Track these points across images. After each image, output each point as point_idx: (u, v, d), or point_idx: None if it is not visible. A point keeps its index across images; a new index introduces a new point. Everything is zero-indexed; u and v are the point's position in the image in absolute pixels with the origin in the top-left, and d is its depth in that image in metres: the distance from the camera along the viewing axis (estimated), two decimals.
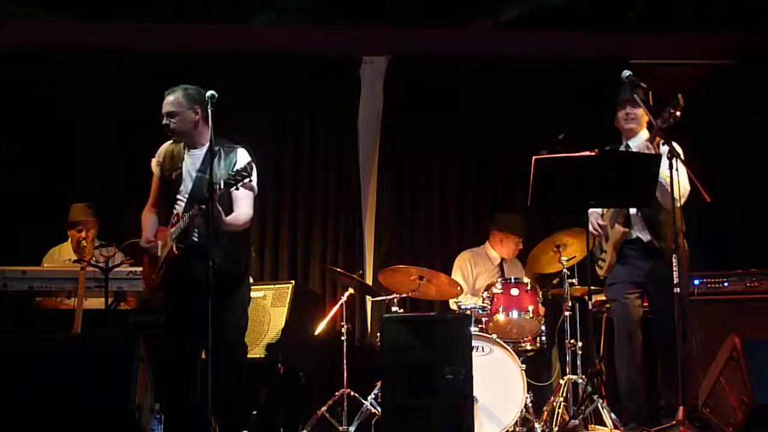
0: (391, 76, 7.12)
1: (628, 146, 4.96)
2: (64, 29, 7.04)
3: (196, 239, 4.48)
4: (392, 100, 7.12)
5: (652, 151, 4.68)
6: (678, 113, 4.51)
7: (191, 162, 4.59)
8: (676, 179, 4.45)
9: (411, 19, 7.06)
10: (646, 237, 4.88)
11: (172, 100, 4.52)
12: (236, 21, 7.13)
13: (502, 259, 6.32)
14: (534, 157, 4.44)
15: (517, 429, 5.19)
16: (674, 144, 4.57)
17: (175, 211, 4.55)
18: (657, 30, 7.03)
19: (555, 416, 5.27)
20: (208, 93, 4.25)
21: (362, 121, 7.14)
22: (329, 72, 7.06)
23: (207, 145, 4.42)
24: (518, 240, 6.28)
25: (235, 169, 4.29)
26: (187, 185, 4.56)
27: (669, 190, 4.50)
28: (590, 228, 4.95)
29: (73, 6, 6.92)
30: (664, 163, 4.55)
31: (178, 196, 4.56)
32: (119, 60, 6.80)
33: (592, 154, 4.46)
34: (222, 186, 4.23)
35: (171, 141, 4.66)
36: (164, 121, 4.53)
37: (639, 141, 4.89)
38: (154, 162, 4.71)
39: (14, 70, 6.66)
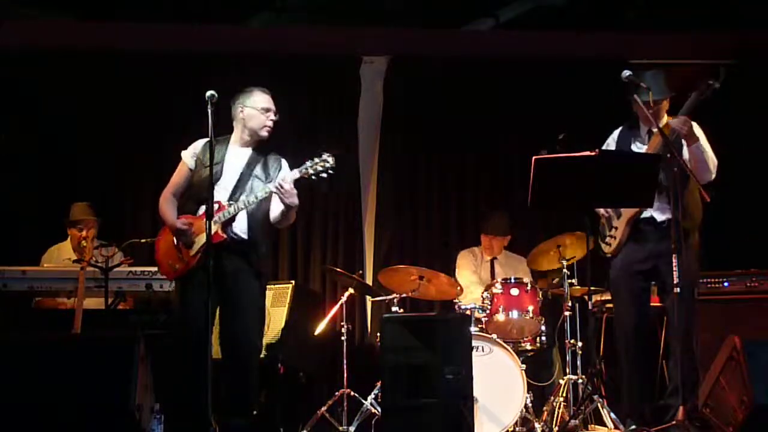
0: (391, 76, 7.12)
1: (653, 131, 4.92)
2: (64, 29, 7.04)
3: (243, 235, 4.57)
4: (392, 100, 7.12)
5: (684, 131, 4.65)
6: (717, 86, 4.50)
7: (236, 158, 4.69)
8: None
9: (411, 19, 7.07)
10: (660, 217, 4.80)
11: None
12: (236, 21, 7.13)
13: (493, 259, 6.36)
14: (534, 157, 4.43)
15: (517, 429, 5.19)
16: (695, 124, 4.67)
17: (216, 200, 4.49)
18: (657, 30, 7.03)
19: (555, 416, 5.26)
20: (208, 93, 4.25)
21: (362, 121, 7.13)
22: (329, 72, 7.06)
23: (253, 147, 4.72)
24: (503, 238, 6.35)
25: (312, 166, 4.48)
26: (229, 179, 4.62)
27: (707, 163, 4.66)
28: (602, 211, 4.95)
29: (73, 6, 6.93)
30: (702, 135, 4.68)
31: (217, 188, 4.54)
32: (119, 60, 6.80)
33: (592, 154, 4.46)
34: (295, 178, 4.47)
35: (207, 137, 4.55)
36: (275, 118, 4.71)
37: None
38: (188, 154, 4.71)
39: (14, 70, 6.66)
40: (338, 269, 6.24)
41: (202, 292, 4.24)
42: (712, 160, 4.75)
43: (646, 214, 4.82)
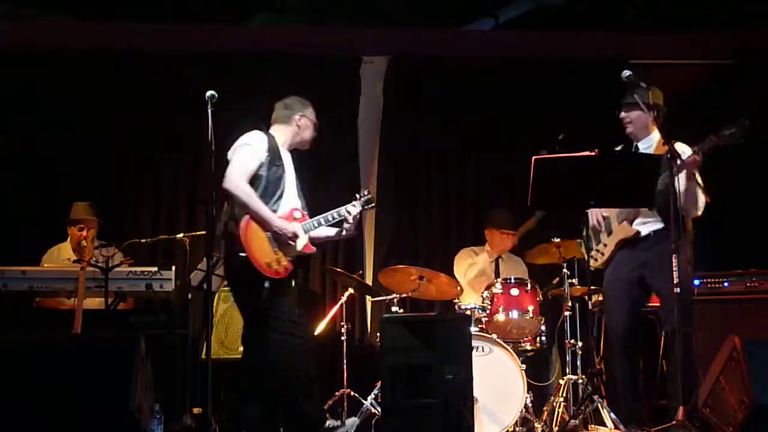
0: (391, 76, 7.12)
1: (637, 148, 4.93)
2: (64, 29, 7.04)
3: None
4: (392, 100, 7.12)
5: (692, 167, 4.54)
6: (741, 139, 4.47)
7: (289, 163, 4.76)
8: (678, 182, 4.46)
9: (411, 19, 7.07)
10: (645, 230, 4.81)
11: None
12: (236, 21, 7.14)
13: (498, 258, 6.34)
14: (534, 157, 4.43)
15: (517, 429, 5.19)
16: (681, 144, 4.58)
17: (296, 206, 4.68)
18: (657, 30, 7.03)
19: (555, 416, 5.27)
20: (208, 93, 4.26)
21: (362, 121, 7.13)
22: (329, 72, 7.06)
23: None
24: (511, 233, 6.30)
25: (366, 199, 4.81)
26: (290, 184, 4.70)
27: (697, 200, 4.59)
28: (593, 221, 4.94)
29: (73, 6, 6.93)
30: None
31: (285, 190, 4.64)
32: (119, 60, 6.80)
33: (592, 154, 4.45)
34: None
35: (259, 130, 4.70)
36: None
37: (650, 143, 4.83)
38: (259, 147, 4.57)
39: (14, 70, 6.66)
40: (338, 269, 6.24)
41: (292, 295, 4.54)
42: (701, 197, 4.70)
43: (640, 234, 4.82)
